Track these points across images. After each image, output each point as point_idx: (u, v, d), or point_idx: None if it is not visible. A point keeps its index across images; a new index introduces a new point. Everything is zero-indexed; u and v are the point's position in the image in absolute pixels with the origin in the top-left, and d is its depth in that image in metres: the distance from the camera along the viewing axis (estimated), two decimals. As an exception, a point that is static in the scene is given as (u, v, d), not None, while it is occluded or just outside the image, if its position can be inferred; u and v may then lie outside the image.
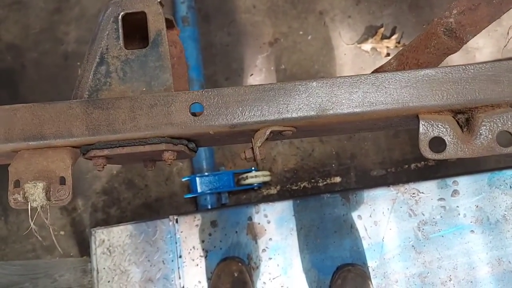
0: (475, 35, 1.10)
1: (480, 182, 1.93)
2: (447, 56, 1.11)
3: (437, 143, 0.86)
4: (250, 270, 1.91)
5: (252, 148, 0.86)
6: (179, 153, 0.89)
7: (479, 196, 1.92)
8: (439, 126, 0.85)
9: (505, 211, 1.91)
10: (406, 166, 2.19)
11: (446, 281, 1.87)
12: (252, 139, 0.86)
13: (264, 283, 1.90)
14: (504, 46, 2.22)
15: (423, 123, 0.85)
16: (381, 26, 2.31)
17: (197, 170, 2.15)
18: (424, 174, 2.17)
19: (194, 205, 2.19)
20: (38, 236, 0.99)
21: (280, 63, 2.29)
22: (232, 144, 0.99)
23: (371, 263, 1.90)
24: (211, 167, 2.16)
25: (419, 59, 1.06)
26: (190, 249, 1.95)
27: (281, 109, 0.86)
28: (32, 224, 0.93)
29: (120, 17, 0.90)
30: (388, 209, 1.92)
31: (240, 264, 1.86)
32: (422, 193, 1.93)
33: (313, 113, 0.86)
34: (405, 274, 1.88)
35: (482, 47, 2.25)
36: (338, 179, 2.21)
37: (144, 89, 0.89)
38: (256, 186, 2.18)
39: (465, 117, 0.87)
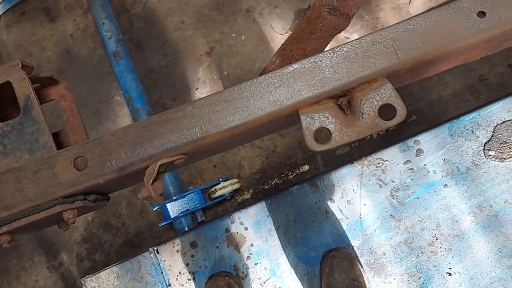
0: (359, 7, 1.09)
1: (441, 135, 1.91)
2: (334, 36, 1.10)
3: (325, 133, 0.85)
4: (239, 280, 1.91)
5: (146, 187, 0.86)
6: (81, 209, 0.89)
7: (443, 149, 1.90)
8: (320, 116, 0.84)
9: (473, 157, 1.89)
10: (368, 137, 2.18)
11: (433, 241, 1.86)
12: (144, 177, 0.86)
13: (256, 289, 1.90)
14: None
15: (303, 117, 0.84)
16: (309, 7, 2.29)
17: (165, 196, 2.14)
18: (388, 140, 2.15)
19: (173, 230, 2.19)
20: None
21: (222, 70, 2.28)
22: (135, 184, 0.99)
23: (355, 242, 1.89)
24: (179, 189, 2.15)
25: (306, 48, 1.05)
26: (177, 275, 1.95)
27: (164, 141, 0.86)
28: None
29: (-13, 91, 0.90)
30: (357, 185, 1.91)
31: (227, 278, 1.85)
32: (387, 160, 1.91)
33: (195, 136, 0.86)
34: (391, 245, 1.87)
35: (393, 22, 2.22)
36: (306, 168, 2.20)
37: (27, 156, 0.89)
38: (229, 196, 2.18)
39: (346, 100, 0.87)
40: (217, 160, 2.21)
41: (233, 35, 2.30)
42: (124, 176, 0.86)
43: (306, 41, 1.06)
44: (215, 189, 2.13)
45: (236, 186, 2.16)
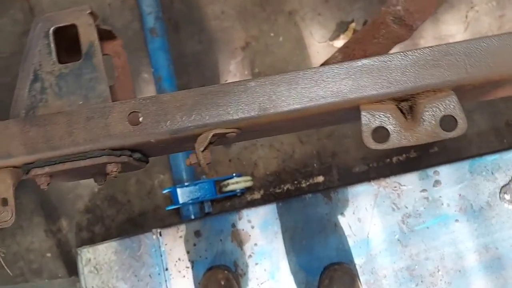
0: (424, 21, 1.09)
1: (461, 170, 1.91)
2: (396, 45, 1.10)
3: (382, 133, 0.85)
4: (237, 277, 1.89)
5: (196, 153, 0.85)
6: (124, 165, 0.88)
7: (461, 185, 1.90)
8: (381, 115, 0.83)
9: (488, 197, 1.89)
10: (388, 160, 2.18)
11: (434, 272, 1.86)
12: (195, 144, 0.85)
13: (252, 288, 1.88)
14: (464, 31, 2.20)
15: (364, 114, 0.84)
16: (352, 21, 2.30)
17: (178, 181, 2.13)
18: (407, 166, 2.15)
19: (178, 216, 2.18)
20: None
21: (254, 67, 2.28)
22: (182, 151, 0.98)
23: (358, 260, 1.88)
24: (192, 176, 2.14)
25: (367, 50, 1.05)
26: (176, 261, 1.93)
27: (221, 112, 0.85)
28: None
29: (51, 31, 0.90)
30: (371, 204, 1.91)
31: (226, 272, 1.84)
32: (404, 185, 1.91)
33: (253, 113, 0.85)
34: (393, 269, 1.86)
35: (455, 33, 2.23)
36: (321, 179, 2.19)
37: (81, 102, 0.88)
38: (239, 192, 2.17)
39: (408, 104, 0.86)
40: (233, 154, 2.20)
41: (272, 34, 2.30)
42: (174, 139, 0.85)
43: (368, 43, 1.06)
44: (228, 183, 2.13)
45: (249, 184, 2.16)
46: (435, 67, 0.84)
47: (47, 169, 0.84)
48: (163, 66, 2.18)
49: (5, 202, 0.82)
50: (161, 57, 2.19)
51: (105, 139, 0.84)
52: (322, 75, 0.86)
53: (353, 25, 2.29)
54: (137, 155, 0.90)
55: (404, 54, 0.85)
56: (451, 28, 2.21)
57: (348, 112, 0.88)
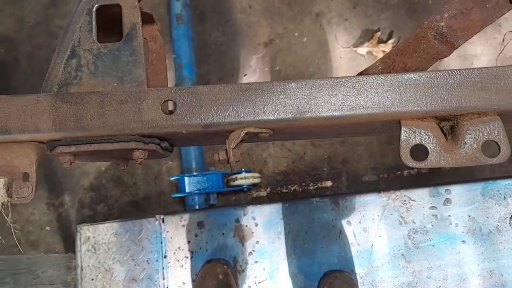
0: (466, 40, 1.06)
1: (473, 192, 1.88)
2: (436, 61, 1.07)
3: (420, 151, 0.83)
4: (235, 273, 1.87)
5: (226, 150, 0.83)
6: (150, 153, 0.86)
7: (472, 206, 1.87)
8: (422, 133, 0.81)
9: (498, 222, 1.87)
10: (399, 172, 2.15)
11: (435, 292, 1.84)
12: (227, 140, 0.83)
13: (250, 286, 1.86)
14: (499, 53, 2.18)
15: (405, 129, 0.81)
16: (378, 30, 2.27)
17: (186, 169, 2.11)
18: (417, 181, 2.13)
19: (182, 205, 2.16)
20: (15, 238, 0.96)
21: (275, 64, 2.26)
22: (208, 144, 0.96)
23: (359, 270, 1.86)
24: (201, 167, 2.12)
25: (407, 63, 1.02)
26: (176, 250, 1.91)
27: (257, 110, 0.83)
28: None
29: (94, 9, 0.87)
30: (378, 215, 1.88)
31: (225, 266, 1.82)
32: (414, 200, 1.89)
33: (290, 115, 0.83)
34: (394, 283, 1.84)
35: (480, 54, 2.21)
36: (329, 183, 2.17)
37: (115, 84, 0.86)
38: (246, 188, 2.15)
39: (450, 125, 0.84)
40: (244, 149, 2.18)
41: (296, 34, 2.28)
42: (205, 133, 0.83)
43: (409, 56, 1.03)
44: (236, 177, 2.11)
45: (257, 180, 2.14)
46: (482, 90, 0.81)
47: (73, 148, 0.82)
48: (185, 53, 2.15)
49: (26, 177, 0.80)
50: (184, 44, 2.16)
51: (136, 125, 0.81)
52: (365, 84, 0.83)
53: (378, 34, 2.26)
54: (164, 144, 0.88)
55: (452, 73, 0.83)
56: (477, 48, 2.19)
57: (386, 125, 0.86)
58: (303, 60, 2.26)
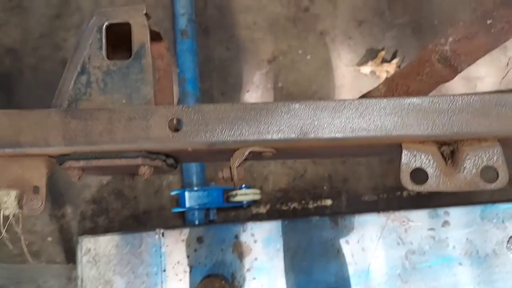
0: (470, 65, 1.08)
1: (472, 214, 1.89)
2: (439, 85, 1.09)
3: (419, 174, 0.84)
4: (233, 289, 1.88)
5: (230, 168, 0.85)
6: (156, 168, 0.87)
7: (470, 229, 1.89)
8: (422, 157, 0.83)
9: (495, 245, 1.87)
10: (399, 193, 2.17)
11: (431, 314, 1.84)
12: (231, 158, 0.85)
13: (247, 303, 1.87)
14: (503, 77, 2.20)
15: (406, 152, 0.83)
16: (382, 49, 2.30)
17: (187, 184, 2.12)
18: (416, 202, 2.15)
19: (182, 220, 2.17)
20: (9, 245, 0.97)
21: (278, 81, 2.28)
22: (212, 161, 0.98)
23: (356, 290, 1.86)
24: (201, 182, 2.14)
25: (410, 86, 1.05)
26: (175, 264, 1.92)
27: (261, 130, 0.85)
28: (3, 232, 0.91)
29: (104, 27, 0.89)
30: (376, 235, 1.89)
31: (223, 282, 1.83)
32: (412, 221, 1.90)
33: (294, 136, 0.85)
34: (390, 303, 1.85)
35: (484, 76, 2.23)
36: (329, 202, 2.19)
37: (124, 101, 0.88)
38: (246, 204, 2.16)
39: (450, 149, 0.86)
40: (245, 166, 2.19)
41: (300, 51, 2.30)
42: (210, 150, 0.85)
43: (412, 80, 1.05)
44: (236, 193, 2.12)
45: (257, 197, 2.15)
46: (483, 116, 0.83)
47: (82, 163, 0.84)
48: (189, 68, 2.18)
49: (36, 189, 0.82)
50: (188, 59, 2.19)
51: (143, 141, 0.83)
52: (368, 107, 0.85)
53: (382, 53, 2.29)
54: (170, 160, 0.90)
55: (453, 98, 0.85)
56: (481, 70, 2.21)
57: (387, 148, 0.88)
58: (306, 78, 2.28)
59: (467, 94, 0.85)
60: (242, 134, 0.84)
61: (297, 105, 0.86)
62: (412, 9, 2.34)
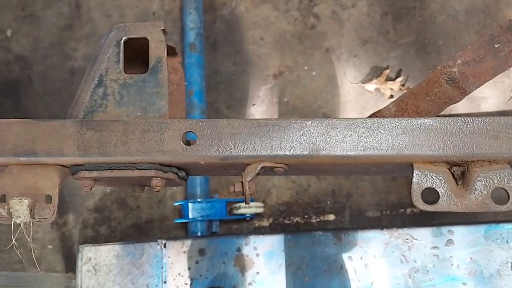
0: (478, 87, 1.09)
1: (476, 234, 1.89)
2: (448, 106, 1.10)
3: (430, 194, 0.85)
4: (234, 302, 1.87)
5: (242, 182, 0.85)
6: (168, 181, 0.88)
7: (474, 248, 1.88)
8: (433, 177, 0.83)
9: (499, 266, 1.87)
10: (402, 210, 2.17)
11: (433, 333, 1.83)
12: (243, 173, 0.85)
13: (248, 317, 1.86)
14: (509, 99, 2.21)
15: (417, 172, 0.84)
16: (387, 67, 2.32)
17: (190, 195, 2.13)
18: (420, 220, 2.15)
19: (184, 231, 2.17)
20: (19, 253, 0.97)
21: (283, 96, 2.30)
22: (223, 175, 0.98)
23: (358, 307, 1.86)
24: (205, 193, 2.14)
25: (419, 106, 1.06)
26: (176, 276, 1.91)
27: (274, 146, 0.85)
28: (13, 240, 0.91)
29: (122, 41, 0.91)
30: (380, 252, 1.89)
31: (224, 295, 1.82)
32: (416, 239, 1.89)
33: (306, 152, 0.85)
34: (392, 321, 1.84)
35: (488, 97, 2.25)
36: (332, 217, 2.19)
37: (139, 114, 0.89)
38: (249, 217, 2.16)
39: (460, 170, 0.86)
40: (249, 179, 2.20)
41: (305, 67, 2.32)
42: (222, 165, 0.86)
43: (421, 100, 1.06)
44: (239, 205, 2.12)
45: (260, 210, 2.15)
46: (494, 138, 0.84)
47: (95, 173, 0.84)
48: (196, 81, 2.20)
49: (48, 199, 0.82)
50: (196, 72, 2.20)
51: (157, 154, 0.84)
52: (380, 126, 0.86)
53: (387, 71, 2.31)
54: (182, 173, 0.90)
55: (465, 120, 0.85)
56: (485, 91, 2.23)
57: (398, 167, 0.88)
58: (311, 93, 2.30)
59: (479, 117, 0.85)
60: (255, 149, 0.85)
61: (309, 122, 0.86)
62: (416, 29, 2.37)
